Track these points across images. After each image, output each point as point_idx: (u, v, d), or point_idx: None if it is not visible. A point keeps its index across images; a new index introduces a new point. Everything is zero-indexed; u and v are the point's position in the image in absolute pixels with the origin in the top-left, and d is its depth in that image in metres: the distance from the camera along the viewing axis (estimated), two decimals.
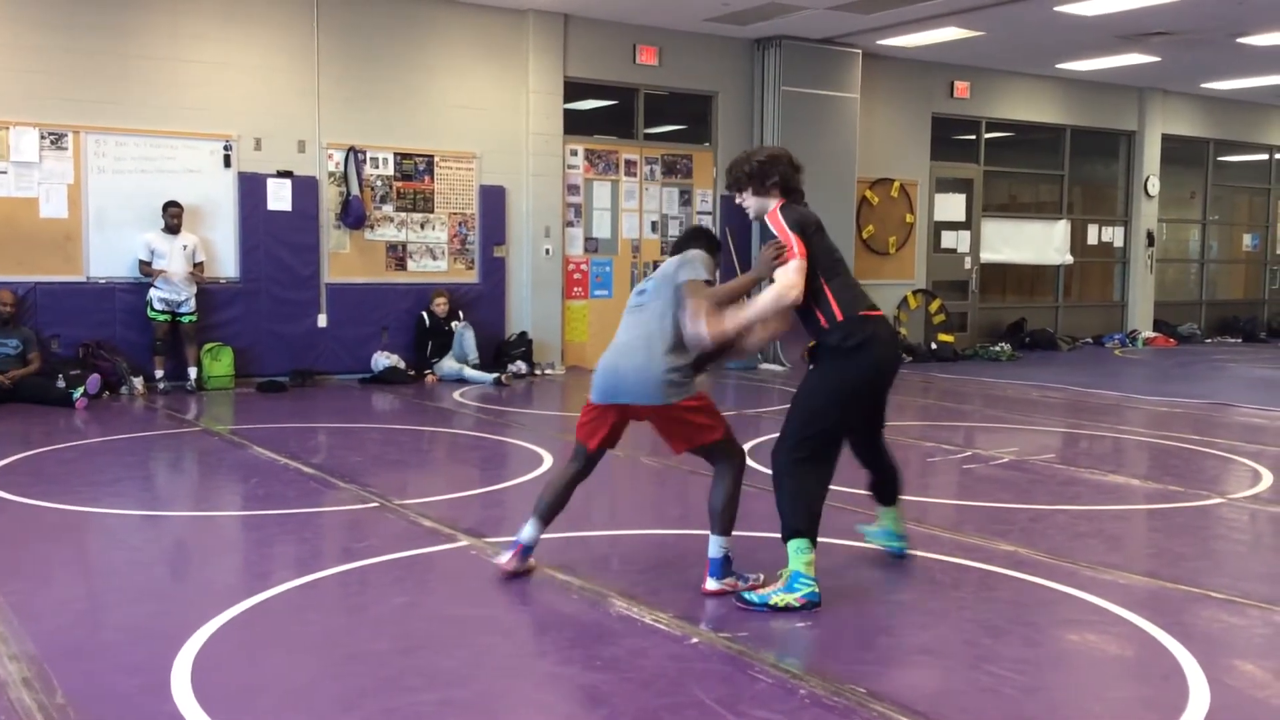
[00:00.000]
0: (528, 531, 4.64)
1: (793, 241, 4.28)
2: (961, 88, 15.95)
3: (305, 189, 11.55)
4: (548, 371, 12.77)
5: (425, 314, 12.01)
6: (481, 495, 6.52)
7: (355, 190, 11.75)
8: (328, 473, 6.90)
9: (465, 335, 11.97)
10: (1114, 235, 18.29)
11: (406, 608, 4.36)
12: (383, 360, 11.79)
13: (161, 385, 10.66)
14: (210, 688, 3.46)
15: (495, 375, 11.81)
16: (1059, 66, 15.99)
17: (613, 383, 4.53)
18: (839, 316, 4.32)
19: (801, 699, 3.44)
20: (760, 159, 4.53)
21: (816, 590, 4.26)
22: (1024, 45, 14.46)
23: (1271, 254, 20.41)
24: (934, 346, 15.21)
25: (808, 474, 4.33)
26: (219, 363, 11.00)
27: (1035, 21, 13.01)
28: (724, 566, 4.43)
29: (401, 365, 11.83)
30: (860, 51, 14.30)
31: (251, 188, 11.31)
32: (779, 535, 4.37)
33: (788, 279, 4.24)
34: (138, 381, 10.44)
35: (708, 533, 4.50)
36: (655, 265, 13.70)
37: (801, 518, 4.28)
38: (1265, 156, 20.01)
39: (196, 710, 3.30)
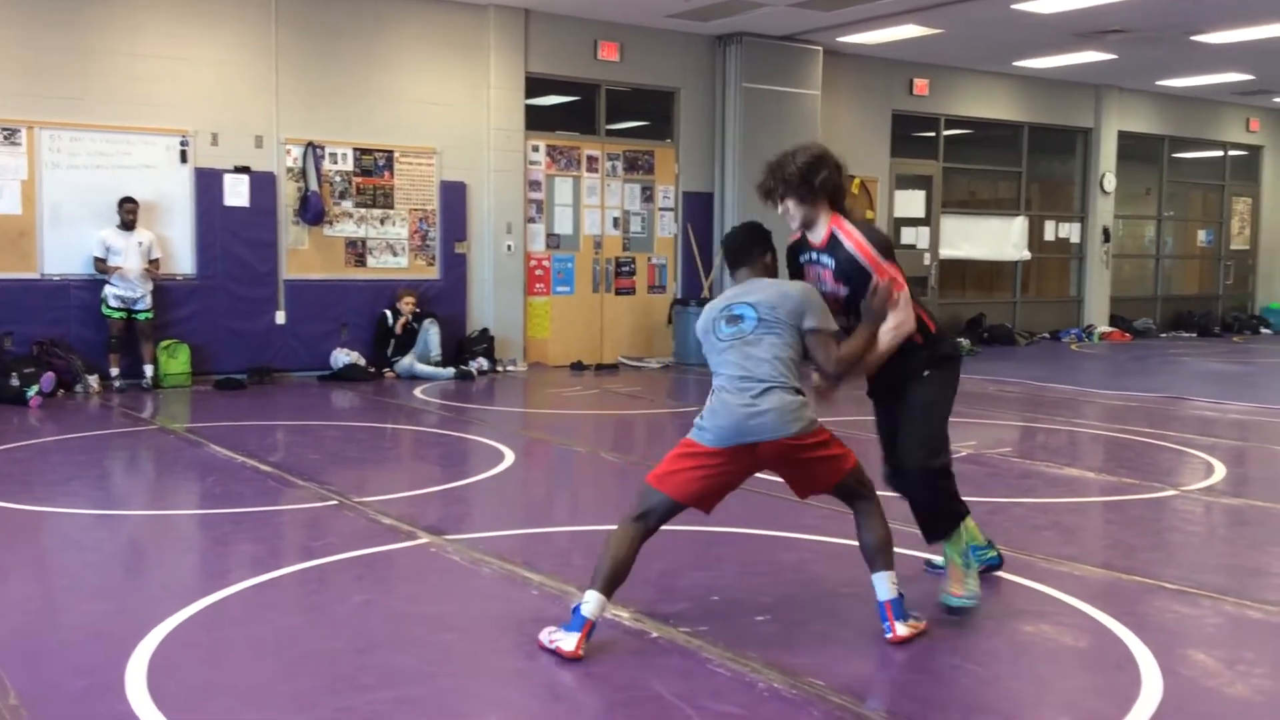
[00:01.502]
0: (591, 606, 3.78)
1: (895, 273, 4.01)
2: (921, 85, 16.06)
3: (263, 185, 11.44)
4: (510, 368, 12.74)
5: (389, 312, 11.94)
6: (442, 492, 6.49)
7: (314, 186, 11.65)
8: (286, 471, 6.85)
9: (430, 332, 11.92)
10: (1071, 231, 18.48)
11: (365, 606, 4.34)
12: (342, 357, 11.71)
13: (117, 383, 10.53)
14: (165, 688, 3.43)
15: (455, 369, 11.79)
16: (1017, 64, 16.13)
17: (741, 420, 3.81)
18: (932, 328, 4.23)
19: (760, 692, 3.46)
20: (802, 163, 4.06)
21: (993, 553, 4.50)
22: (982, 43, 14.58)
23: (1225, 249, 20.70)
24: None
25: (950, 475, 4.22)
26: (175, 360, 10.88)
27: (993, 19, 13.12)
28: (903, 606, 3.92)
29: (361, 362, 11.76)
30: (821, 49, 14.36)
31: (208, 183, 11.19)
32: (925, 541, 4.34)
33: (905, 314, 4.03)
34: (93, 379, 10.31)
35: (669, 527, 4.27)
36: (618, 262, 13.71)
37: (961, 507, 4.23)
38: (1219, 153, 20.28)
39: (151, 710, 3.26)
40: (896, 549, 4.01)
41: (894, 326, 4.02)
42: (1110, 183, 18.32)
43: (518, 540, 5.34)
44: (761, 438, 3.80)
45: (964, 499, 4.30)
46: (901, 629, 3.85)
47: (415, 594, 4.55)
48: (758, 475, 4.05)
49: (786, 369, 3.86)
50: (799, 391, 3.86)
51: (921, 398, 4.19)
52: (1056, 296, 18.64)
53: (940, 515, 4.20)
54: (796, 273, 4.29)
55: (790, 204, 4.10)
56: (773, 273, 4.12)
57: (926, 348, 4.18)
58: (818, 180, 4.06)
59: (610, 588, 3.81)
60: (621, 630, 4.00)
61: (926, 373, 4.19)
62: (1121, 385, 11.76)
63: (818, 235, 4.13)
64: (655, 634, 3.96)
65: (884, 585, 3.89)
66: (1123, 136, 18.43)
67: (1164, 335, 19.19)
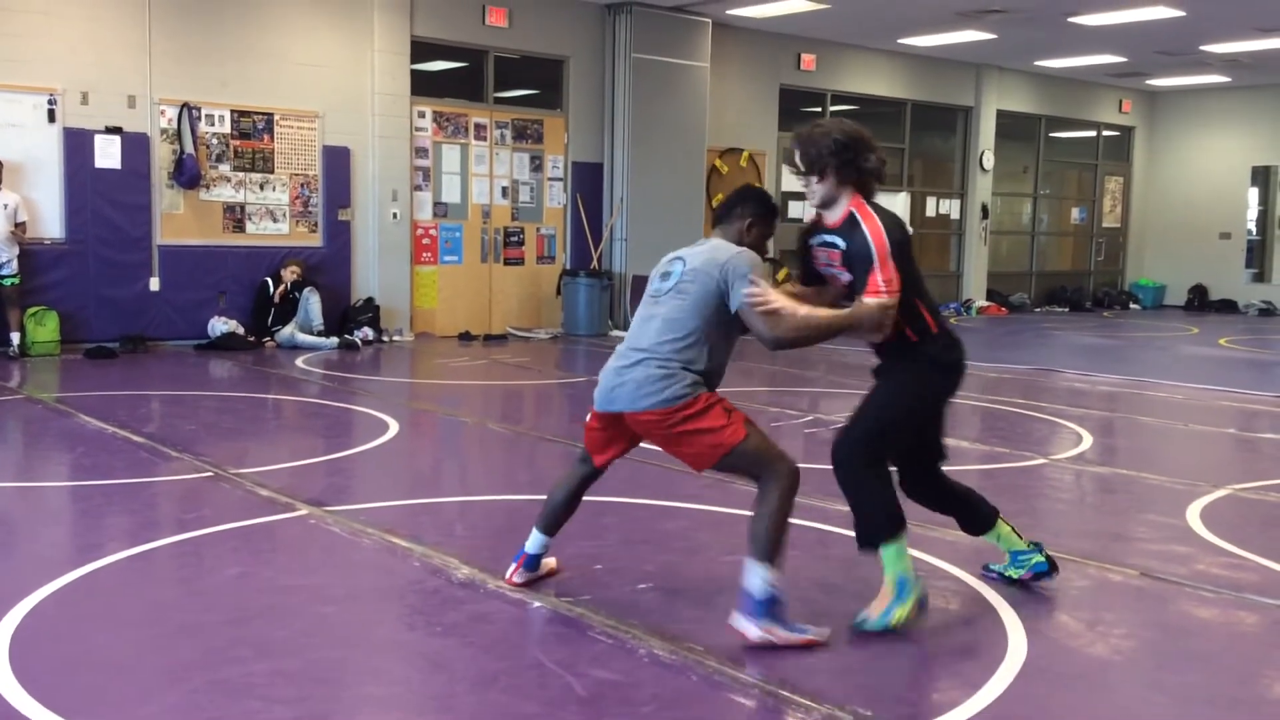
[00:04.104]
0: (531, 541, 4.08)
1: (893, 277, 3.71)
2: (808, 60, 16.23)
3: (136, 146, 11.05)
4: (396, 338, 12.57)
5: (269, 279, 11.66)
6: (323, 464, 6.38)
7: (189, 149, 11.29)
8: (159, 442, 6.66)
9: (311, 301, 11.68)
10: (951, 208, 18.92)
11: (240, 578, 4.25)
12: (220, 326, 11.41)
13: None
14: (30, 663, 3.32)
15: (339, 339, 11.60)
16: (901, 41, 16.40)
17: (606, 388, 3.82)
18: (934, 329, 3.95)
19: (640, 658, 3.49)
20: (839, 138, 3.79)
21: (922, 588, 3.86)
22: (868, 19, 14.78)
23: (1098, 227, 21.42)
24: None
25: (882, 476, 3.91)
26: (44, 328, 10.48)
27: None
28: (766, 608, 3.57)
29: (240, 331, 11.47)
30: (710, 21, 14.40)
31: (78, 144, 10.77)
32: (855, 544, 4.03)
33: (879, 316, 3.73)
34: None
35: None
36: (507, 232, 13.61)
37: (888, 522, 3.86)
38: (1093, 133, 20.95)
39: (14, 686, 3.16)
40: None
41: (868, 325, 3.76)
42: (989, 160, 18.79)
43: (401, 512, 5.28)
44: (618, 409, 3.78)
45: (825, 465, 4.04)
46: (742, 624, 3.57)
47: (293, 566, 4.48)
48: (642, 445, 4.05)
49: (671, 341, 3.72)
50: (669, 364, 3.69)
51: (880, 394, 3.98)
52: (937, 271, 19.05)
53: (867, 521, 3.88)
54: (807, 254, 4.04)
55: (814, 182, 3.82)
56: (753, 242, 3.91)
57: (918, 346, 3.93)
58: (858, 157, 3.81)
59: (547, 525, 4.06)
60: (503, 600, 3.99)
61: (901, 370, 3.97)
62: (997, 358, 12.11)
63: (834, 215, 3.87)
64: (537, 603, 3.96)
65: (750, 576, 3.61)
66: (1001, 115, 18.90)
67: (1038, 310, 19.80)
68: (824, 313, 3.79)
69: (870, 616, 3.79)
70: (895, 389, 3.96)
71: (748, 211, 3.94)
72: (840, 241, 3.85)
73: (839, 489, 3.93)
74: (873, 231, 3.74)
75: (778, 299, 3.71)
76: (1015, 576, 4.29)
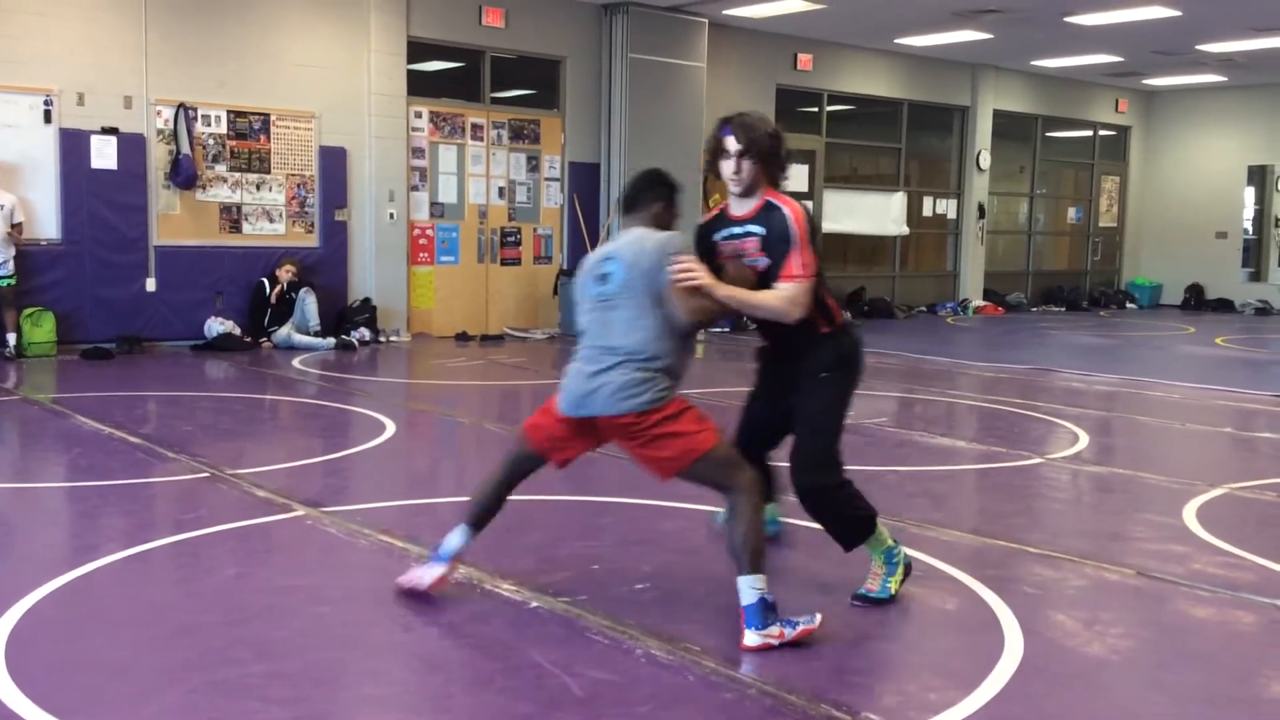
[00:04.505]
0: (453, 537, 3.97)
1: (810, 261, 3.84)
2: (805, 60, 16.23)
3: (132, 147, 11.03)
4: (393, 339, 12.56)
5: (266, 280, 11.66)
6: (320, 464, 6.38)
7: (185, 149, 11.28)
8: (156, 443, 6.65)
9: (307, 301, 11.67)
10: (947, 207, 18.93)
11: (237, 579, 4.25)
12: (217, 326, 11.40)
13: None
14: (26, 664, 3.32)
15: (336, 340, 11.60)
16: (897, 42, 16.40)
17: (579, 393, 3.78)
18: (839, 320, 4.07)
19: (638, 659, 3.49)
20: (773, 131, 3.96)
21: (904, 553, 4.12)
22: (864, 19, 14.79)
23: (1094, 226, 21.43)
24: None
25: (847, 483, 4.03)
26: (40, 329, 10.47)
27: None
28: (764, 613, 3.58)
29: (237, 332, 11.47)
30: (707, 21, 14.40)
31: (74, 145, 10.75)
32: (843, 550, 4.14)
33: (800, 299, 3.83)
34: None
35: (553, 498, 4.45)
36: (504, 232, 13.60)
37: (866, 522, 4.03)
38: (1089, 133, 20.96)
39: (11, 688, 3.15)
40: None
41: (781, 305, 3.83)
42: (985, 160, 18.80)
43: (397, 512, 5.28)
44: (593, 413, 3.74)
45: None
46: (752, 639, 3.56)
47: (290, 567, 4.48)
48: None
49: (644, 339, 3.70)
50: (649, 365, 3.69)
51: (816, 405, 4.01)
52: (934, 271, 19.10)
53: (848, 526, 4.03)
54: (707, 252, 4.08)
55: (747, 165, 3.91)
56: (664, 225, 3.90)
57: (831, 339, 4.02)
58: (783, 152, 3.99)
59: (474, 520, 3.95)
60: (500, 600, 3.99)
61: (824, 374, 4.01)
62: (994, 357, 12.12)
63: (747, 206, 3.97)
64: (534, 604, 3.96)
65: (743, 590, 3.61)
66: (998, 115, 18.92)
67: (1035, 309, 19.81)
68: (744, 291, 3.87)
69: (871, 590, 4.02)
70: (829, 397, 4.03)
71: (659, 195, 3.94)
72: (757, 228, 3.94)
73: (811, 516, 4.06)
74: (794, 214, 3.88)
75: (702, 274, 3.77)
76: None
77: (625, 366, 3.69)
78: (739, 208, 4.01)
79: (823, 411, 4.01)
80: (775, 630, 3.58)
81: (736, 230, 3.99)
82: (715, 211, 4.15)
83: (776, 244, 3.87)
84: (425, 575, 3.91)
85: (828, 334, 4.02)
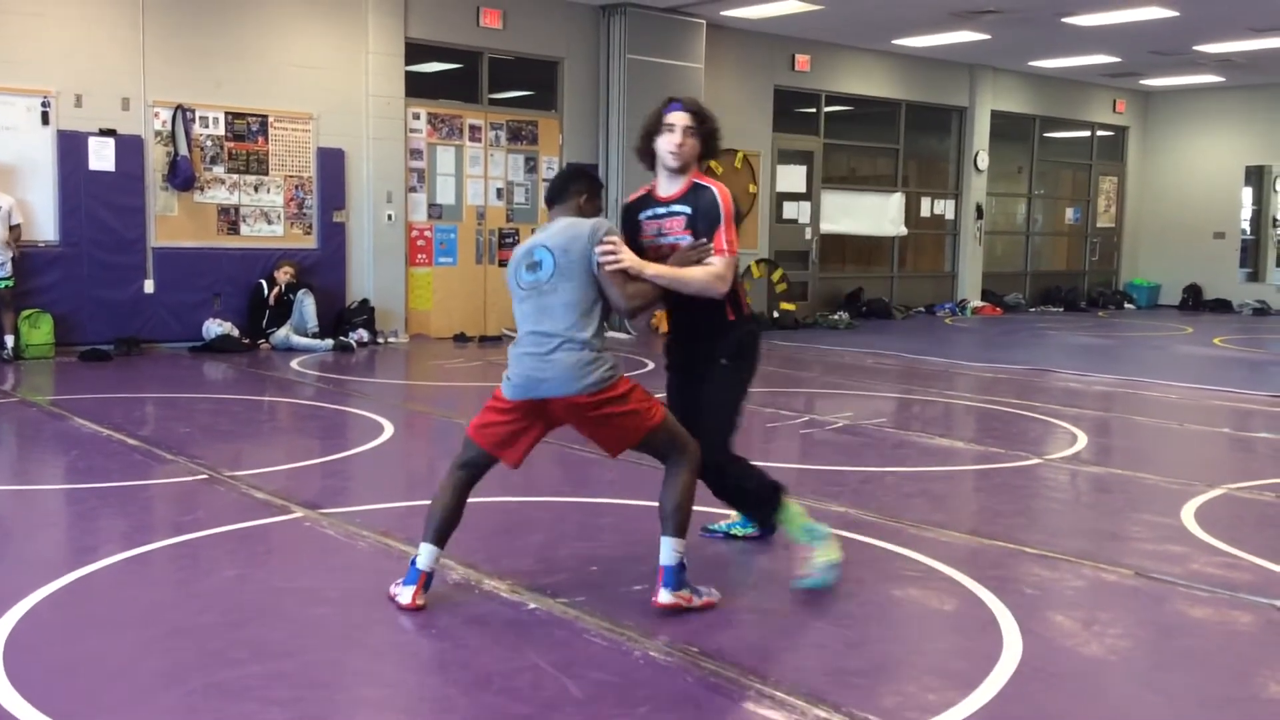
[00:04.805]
0: (423, 558, 3.93)
1: (735, 239, 4.08)
2: (803, 61, 16.24)
3: (129, 148, 11.03)
4: (391, 340, 12.56)
5: (264, 282, 11.65)
6: (318, 466, 6.38)
7: (183, 150, 11.28)
8: (154, 445, 6.65)
9: (305, 303, 11.67)
10: (945, 208, 18.94)
11: (236, 581, 4.25)
12: (215, 328, 11.40)
13: None
14: (25, 666, 3.31)
15: (334, 341, 11.59)
16: (895, 42, 16.41)
17: (530, 377, 3.85)
18: (745, 310, 4.28)
19: (636, 660, 3.49)
20: (714, 117, 4.22)
21: (825, 526, 4.25)
22: (862, 20, 14.80)
23: (1092, 227, 21.44)
24: (775, 315, 15.50)
25: (740, 458, 4.27)
26: (38, 330, 10.47)
27: None
28: (679, 575, 3.86)
29: (235, 333, 11.46)
30: (704, 22, 14.40)
31: (72, 146, 10.75)
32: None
33: (726, 275, 4.04)
34: None
35: (552, 499, 4.47)
36: (502, 233, 13.60)
37: (773, 493, 4.24)
38: (1087, 133, 20.97)
39: (9, 690, 3.15)
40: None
41: (708, 280, 4.01)
42: (983, 161, 18.81)
43: (396, 514, 5.28)
44: (548, 394, 3.82)
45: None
46: (666, 596, 3.81)
47: (288, 568, 4.48)
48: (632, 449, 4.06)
49: (580, 321, 3.84)
50: (590, 345, 3.82)
51: (718, 392, 4.23)
52: (932, 271, 19.10)
53: (754, 497, 4.28)
54: (634, 231, 4.24)
55: (691, 141, 4.09)
56: (588, 216, 4.03)
57: (735, 327, 4.22)
58: (719, 139, 4.19)
59: (440, 537, 3.94)
60: (499, 602, 3.99)
61: (725, 361, 4.21)
62: (992, 358, 12.12)
63: (675, 187, 4.15)
64: (533, 605, 3.96)
65: (665, 549, 3.85)
66: (995, 116, 18.93)
67: (1033, 310, 19.82)
68: (672, 269, 4.02)
69: (810, 574, 4.07)
70: (730, 384, 4.25)
71: (581, 188, 4.10)
72: (684, 208, 4.11)
73: (717, 495, 4.27)
74: (721, 193, 4.08)
75: (627, 255, 3.91)
76: (740, 535, 4.76)
77: (567, 347, 3.81)
78: (666, 188, 4.19)
79: (725, 400, 4.24)
80: (685, 593, 3.85)
81: (661, 210, 4.17)
82: (642, 192, 4.30)
83: (704, 221, 4.06)
84: (402, 595, 3.91)
85: (733, 321, 4.21)
